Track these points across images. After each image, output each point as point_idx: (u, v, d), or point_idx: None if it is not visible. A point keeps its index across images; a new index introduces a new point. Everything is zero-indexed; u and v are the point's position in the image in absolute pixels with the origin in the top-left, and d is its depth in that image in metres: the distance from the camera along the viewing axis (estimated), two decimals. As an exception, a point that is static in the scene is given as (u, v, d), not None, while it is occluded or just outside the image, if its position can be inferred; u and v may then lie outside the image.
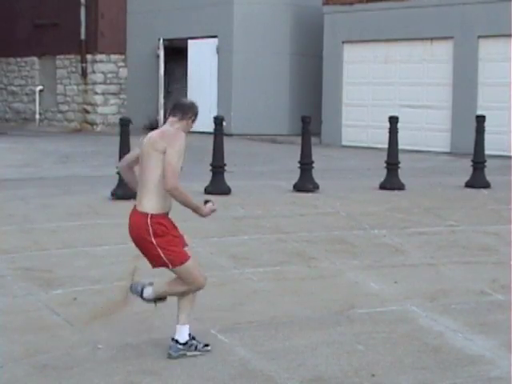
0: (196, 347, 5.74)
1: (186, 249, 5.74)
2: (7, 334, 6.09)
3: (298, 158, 12.98)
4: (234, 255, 8.64)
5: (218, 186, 12.29)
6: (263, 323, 6.43)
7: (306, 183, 12.75)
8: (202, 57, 23.70)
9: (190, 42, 24.00)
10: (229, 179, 12.49)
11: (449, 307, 6.95)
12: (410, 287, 7.58)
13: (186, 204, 5.66)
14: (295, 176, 12.91)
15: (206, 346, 5.81)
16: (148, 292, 5.89)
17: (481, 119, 13.96)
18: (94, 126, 25.25)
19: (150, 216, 5.57)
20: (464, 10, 19.40)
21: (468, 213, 11.40)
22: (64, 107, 26.15)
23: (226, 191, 12.27)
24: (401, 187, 13.13)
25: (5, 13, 27.41)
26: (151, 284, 5.96)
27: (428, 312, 6.78)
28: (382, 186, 13.17)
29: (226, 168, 12.45)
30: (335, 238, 9.60)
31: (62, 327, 6.27)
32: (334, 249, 9.07)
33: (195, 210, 5.76)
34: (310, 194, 12.46)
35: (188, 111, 5.81)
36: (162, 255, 5.59)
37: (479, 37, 19.21)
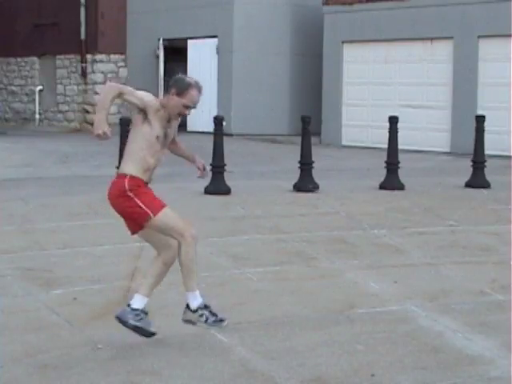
0: (207, 319, 5.73)
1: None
2: (7, 334, 6.09)
3: (298, 158, 12.98)
4: (234, 255, 8.63)
5: (218, 185, 12.29)
6: (263, 323, 6.43)
7: (306, 183, 12.76)
8: (202, 57, 23.71)
9: (189, 41, 24.01)
10: (229, 179, 12.49)
11: (449, 307, 6.94)
12: (410, 287, 7.58)
13: (98, 103, 5.53)
14: (295, 176, 12.91)
15: (222, 321, 5.78)
16: (190, 299, 5.72)
17: (481, 119, 13.97)
18: (94, 126, 25.24)
19: (128, 176, 5.58)
20: (464, 10, 19.41)
21: (468, 213, 11.40)
22: (64, 107, 26.16)
23: (226, 191, 12.28)
24: (401, 187, 13.13)
25: (5, 13, 27.41)
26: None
27: (428, 312, 6.78)
28: (382, 186, 13.17)
29: (225, 168, 12.45)
30: (335, 238, 9.60)
31: (62, 327, 6.27)
32: (333, 249, 9.07)
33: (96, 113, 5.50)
34: (310, 194, 12.46)
35: (171, 86, 5.65)
36: (141, 204, 5.54)
37: (479, 37, 19.22)
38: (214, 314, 5.76)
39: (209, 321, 5.74)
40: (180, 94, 5.57)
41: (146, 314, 5.79)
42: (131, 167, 5.61)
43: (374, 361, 5.61)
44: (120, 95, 5.52)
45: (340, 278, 7.90)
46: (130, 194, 5.57)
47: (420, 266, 8.45)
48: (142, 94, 5.57)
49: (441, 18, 19.74)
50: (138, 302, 5.77)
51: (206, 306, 5.75)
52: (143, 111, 5.55)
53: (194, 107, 5.65)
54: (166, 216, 5.60)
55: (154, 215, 5.57)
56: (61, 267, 7.99)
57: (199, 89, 5.64)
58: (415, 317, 6.68)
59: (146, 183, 5.70)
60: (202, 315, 5.73)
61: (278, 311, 6.75)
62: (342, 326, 6.41)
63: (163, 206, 5.63)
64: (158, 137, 5.60)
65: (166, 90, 5.71)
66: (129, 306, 5.78)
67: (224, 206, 11.44)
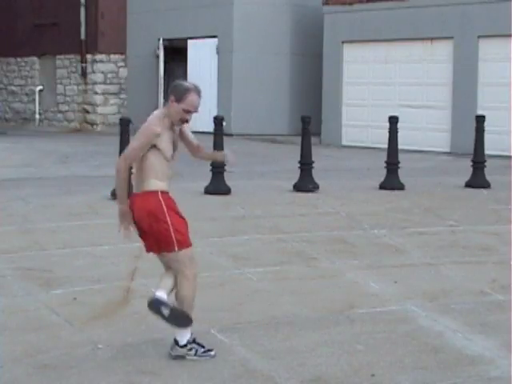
0: (196, 352, 5.61)
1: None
2: (7, 333, 6.09)
3: (298, 158, 12.98)
4: (234, 255, 8.63)
5: (218, 185, 12.29)
6: (263, 323, 6.43)
7: (306, 183, 12.76)
8: (201, 57, 23.71)
9: (189, 42, 24.02)
10: (229, 179, 12.49)
11: (449, 307, 6.94)
12: (410, 287, 7.58)
13: (116, 188, 5.58)
14: (295, 176, 12.91)
15: (210, 350, 5.66)
16: (180, 335, 5.59)
17: (481, 119, 13.97)
18: (94, 126, 25.25)
19: (160, 192, 5.47)
20: (464, 10, 19.41)
21: (468, 213, 11.40)
22: (64, 107, 26.16)
23: (226, 191, 12.28)
24: (401, 187, 13.13)
25: (5, 13, 27.42)
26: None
27: (428, 312, 6.78)
28: (382, 186, 13.17)
29: (225, 168, 12.45)
30: (335, 238, 9.60)
31: (62, 327, 6.27)
32: (333, 249, 9.07)
33: (119, 198, 5.55)
34: (310, 194, 12.46)
35: (170, 93, 5.56)
36: (172, 234, 5.43)
37: (479, 37, 19.22)
38: (202, 346, 5.66)
39: (198, 353, 5.63)
40: (179, 99, 5.47)
41: (194, 341, 5.68)
42: (158, 182, 5.49)
43: (374, 361, 5.61)
44: (130, 166, 5.50)
45: (340, 278, 7.90)
46: (168, 220, 5.44)
47: (420, 265, 8.45)
48: (140, 140, 5.49)
49: (441, 18, 19.74)
50: (181, 335, 5.64)
51: (194, 340, 5.65)
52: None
53: (196, 111, 5.55)
54: (188, 256, 5.53)
55: (180, 249, 5.49)
56: (61, 267, 7.99)
57: (198, 92, 5.54)
58: (415, 317, 6.68)
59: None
60: (191, 349, 5.62)
61: (278, 311, 6.75)
62: (342, 326, 6.41)
63: (190, 244, 5.56)
64: (172, 155, 5.57)
65: (165, 98, 5.66)
66: (176, 342, 5.65)
67: (224, 205, 11.44)
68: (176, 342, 5.64)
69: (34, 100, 27.04)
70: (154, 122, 5.51)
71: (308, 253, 8.85)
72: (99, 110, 25.27)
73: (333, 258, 8.62)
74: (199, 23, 23.50)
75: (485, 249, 9.24)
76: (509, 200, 11.99)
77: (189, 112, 5.52)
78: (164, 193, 5.51)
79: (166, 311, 5.54)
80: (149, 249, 5.66)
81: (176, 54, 24.96)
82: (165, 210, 5.45)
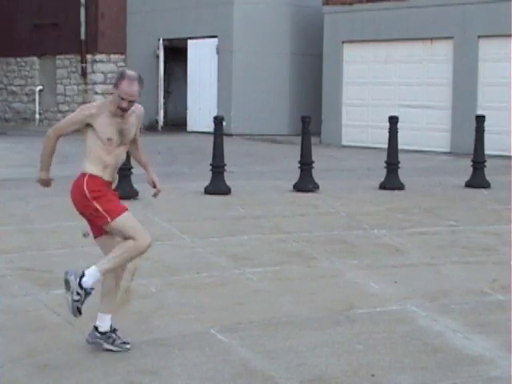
0: (114, 341, 5.63)
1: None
2: (7, 334, 6.09)
3: (298, 158, 12.98)
4: (234, 255, 8.63)
5: (218, 185, 12.29)
6: (263, 323, 6.43)
7: (306, 183, 12.75)
8: (202, 57, 23.71)
9: (189, 42, 24.01)
10: (229, 179, 12.49)
11: (449, 307, 6.94)
12: (410, 287, 7.58)
13: (41, 155, 5.76)
14: (295, 176, 12.91)
15: (125, 343, 5.67)
16: (89, 275, 5.46)
17: (481, 119, 13.96)
18: (94, 126, 25.25)
19: (87, 175, 5.57)
20: (464, 10, 19.41)
21: (468, 213, 11.40)
22: (64, 107, 26.15)
23: (226, 191, 12.27)
24: (401, 187, 13.13)
25: (5, 13, 27.41)
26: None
27: (428, 312, 6.78)
28: (382, 186, 13.17)
29: (225, 168, 12.45)
30: (335, 238, 9.60)
31: (62, 327, 6.27)
32: (333, 249, 9.07)
33: (40, 165, 5.76)
34: (309, 194, 12.46)
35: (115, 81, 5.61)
36: (99, 207, 5.48)
37: (479, 37, 19.22)
38: (119, 337, 5.68)
39: (116, 342, 5.65)
40: (116, 85, 5.54)
41: (115, 331, 5.70)
42: (89, 166, 5.62)
43: (374, 361, 5.61)
44: (59, 136, 5.76)
45: (340, 278, 7.90)
46: (88, 196, 5.53)
47: (420, 265, 8.45)
48: (74, 115, 5.69)
49: (441, 18, 19.74)
50: (103, 322, 5.66)
51: (114, 330, 5.68)
52: (87, 125, 5.62)
53: (130, 99, 5.49)
54: (126, 221, 5.54)
55: (111, 220, 5.51)
56: (61, 267, 7.97)
57: (133, 80, 5.50)
58: (415, 317, 6.68)
59: (110, 182, 5.66)
60: (109, 337, 5.65)
61: (278, 311, 6.75)
62: (342, 326, 6.41)
63: (124, 209, 5.58)
64: (109, 139, 5.58)
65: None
66: (96, 329, 5.68)
67: (224, 205, 11.43)
68: (96, 328, 5.64)
69: (34, 100, 27.03)
70: (95, 104, 5.70)
71: (308, 253, 8.85)
72: (99, 110, 25.27)
73: (333, 258, 8.63)
74: (199, 23, 23.49)
75: (485, 249, 9.24)
76: (509, 200, 11.99)
77: (123, 99, 5.51)
78: (92, 177, 5.56)
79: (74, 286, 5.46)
80: (94, 234, 5.76)
81: (176, 53, 24.96)
82: (85, 189, 5.54)
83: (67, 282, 5.49)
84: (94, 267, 5.50)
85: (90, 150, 5.63)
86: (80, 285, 5.46)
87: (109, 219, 5.51)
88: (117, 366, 5.46)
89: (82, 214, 5.67)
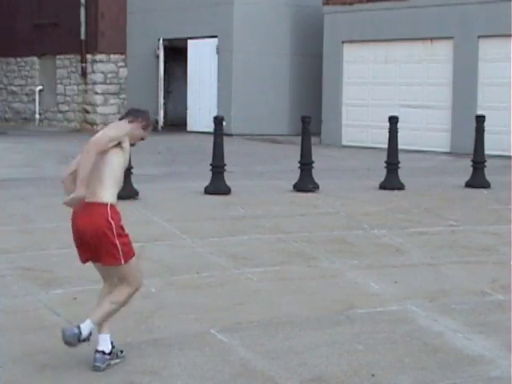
0: (117, 355, 5.55)
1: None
2: (7, 334, 6.09)
3: (298, 158, 12.98)
4: (234, 255, 8.63)
5: (218, 185, 12.29)
6: (263, 323, 6.43)
7: (306, 183, 12.75)
8: (202, 57, 23.70)
9: (189, 41, 24.01)
10: (229, 179, 12.49)
11: (449, 307, 6.95)
12: (410, 287, 7.58)
13: (81, 171, 5.25)
14: (295, 176, 12.91)
15: (122, 352, 5.60)
16: (86, 326, 5.36)
17: (481, 119, 13.96)
18: (94, 126, 25.24)
19: (109, 205, 5.36)
20: (464, 10, 19.40)
21: (468, 213, 11.40)
22: (64, 107, 26.15)
23: (226, 191, 12.27)
24: (401, 187, 13.13)
25: (5, 13, 27.41)
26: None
27: (428, 312, 6.78)
28: (382, 186, 13.17)
29: (225, 168, 12.45)
30: (335, 238, 9.60)
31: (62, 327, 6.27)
32: (333, 249, 9.07)
33: (81, 182, 5.25)
34: (309, 194, 12.46)
35: (138, 116, 5.60)
36: (119, 247, 5.37)
37: (479, 37, 19.21)
38: (116, 348, 5.60)
39: (119, 355, 5.57)
40: (141, 123, 5.57)
41: (112, 344, 5.61)
42: (107, 194, 5.39)
43: (374, 361, 5.61)
44: (102, 152, 5.33)
45: (340, 278, 7.90)
46: (114, 232, 5.35)
47: (420, 265, 8.45)
48: (114, 132, 5.44)
49: (441, 18, 19.73)
50: (107, 344, 5.52)
51: (111, 343, 5.57)
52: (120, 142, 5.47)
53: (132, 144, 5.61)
54: (133, 267, 5.49)
55: (125, 263, 5.42)
56: (61, 267, 7.98)
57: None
58: (415, 317, 6.68)
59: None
60: (113, 353, 5.53)
61: (277, 311, 6.75)
62: (342, 326, 6.41)
63: (133, 254, 5.51)
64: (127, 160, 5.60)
65: (131, 119, 5.54)
66: (103, 353, 5.51)
67: (224, 205, 11.43)
68: (103, 352, 5.46)
69: (33, 100, 27.03)
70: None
71: (308, 253, 8.85)
72: (99, 109, 25.26)
73: (333, 258, 8.63)
74: (199, 23, 23.49)
75: (485, 249, 9.25)
76: (509, 200, 11.99)
77: (142, 139, 5.69)
78: (114, 209, 5.40)
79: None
80: (84, 259, 5.64)
81: (176, 53, 24.96)
82: (112, 223, 5.34)
83: (68, 344, 5.40)
84: (88, 321, 5.41)
85: (113, 173, 5.40)
86: (80, 340, 5.39)
87: (122, 261, 5.41)
88: (117, 366, 5.46)
89: (90, 243, 5.45)
